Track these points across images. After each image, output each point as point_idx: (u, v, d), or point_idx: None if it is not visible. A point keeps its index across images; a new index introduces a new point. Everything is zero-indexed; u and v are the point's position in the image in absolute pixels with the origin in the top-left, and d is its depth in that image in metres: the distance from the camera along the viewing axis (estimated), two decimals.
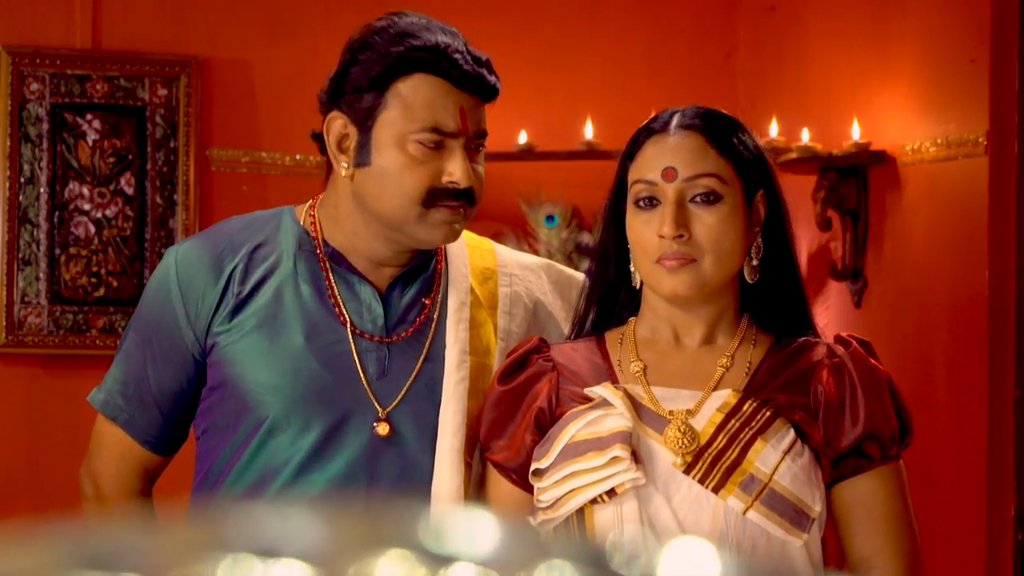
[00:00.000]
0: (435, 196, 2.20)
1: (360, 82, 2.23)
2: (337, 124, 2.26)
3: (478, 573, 0.65)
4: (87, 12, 4.60)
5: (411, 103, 2.20)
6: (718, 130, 2.16)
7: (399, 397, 2.27)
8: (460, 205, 2.22)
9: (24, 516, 4.33)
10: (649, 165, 2.15)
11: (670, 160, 2.14)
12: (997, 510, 3.91)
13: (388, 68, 2.21)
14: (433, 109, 2.20)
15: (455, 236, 2.26)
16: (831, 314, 4.44)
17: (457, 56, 2.21)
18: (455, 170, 2.19)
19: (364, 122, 2.23)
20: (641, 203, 2.15)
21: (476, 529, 0.67)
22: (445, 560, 0.65)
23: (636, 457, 2.07)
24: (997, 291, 3.93)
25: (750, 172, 2.17)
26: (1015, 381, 3.88)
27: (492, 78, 2.24)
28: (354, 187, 2.26)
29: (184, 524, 0.66)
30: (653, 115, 2.21)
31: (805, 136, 4.49)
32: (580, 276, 2.52)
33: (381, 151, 2.22)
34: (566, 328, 2.43)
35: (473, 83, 2.21)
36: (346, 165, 2.25)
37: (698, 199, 2.13)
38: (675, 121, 2.16)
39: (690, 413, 2.12)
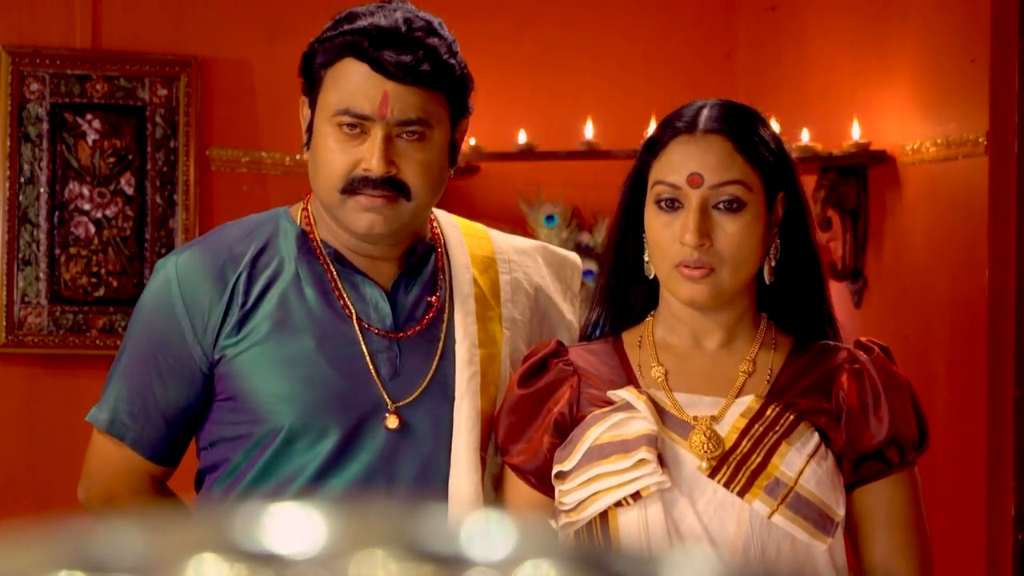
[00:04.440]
0: (354, 183, 2.18)
1: (311, 66, 2.24)
2: (304, 108, 2.27)
3: (480, 573, 0.65)
4: (87, 12, 4.60)
5: (338, 86, 2.19)
6: (745, 134, 2.11)
7: (414, 396, 2.25)
8: (382, 195, 2.18)
9: (24, 516, 4.33)
10: (674, 168, 2.10)
11: (696, 165, 2.09)
12: (997, 510, 3.91)
13: (324, 53, 2.21)
14: (352, 92, 2.18)
15: (385, 226, 2.21)
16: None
17: (382, 39, 2.18)
18: (369, 156, 2.17)
19: (313, 106, 2.24)
20: (663, 204, 2.10)
21: (485, 530, 0.67)
22: (445, 560, 0.65)
23: (661, 461, 2.05)
24: (997, 291, 3.93)
25: (774, 176, 2.13)
26: (1015, 381, 3.88)
27: (423, 65, 2.18)
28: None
29: (184, 525, 0.66)
30: (677, 110, 2.15)
31: (805, 136, 4.49)
32: (573, 255, 2.49)
33: (316, 134, 2.23)
34: (565, 309, 2.41)
35: (396, 68, 2.17)
36: (305, 147, 2.27)
37: (721, 206, 2.08)
38: (702, 122, 2.11)
39: (714, 419, 2.10)
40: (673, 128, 2.12)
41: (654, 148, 2.14)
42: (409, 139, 2.19)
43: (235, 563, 0.63)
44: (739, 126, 2.11)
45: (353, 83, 2.18)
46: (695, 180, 2.08)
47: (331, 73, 2.21)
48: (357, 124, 2.18)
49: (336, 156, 2.19)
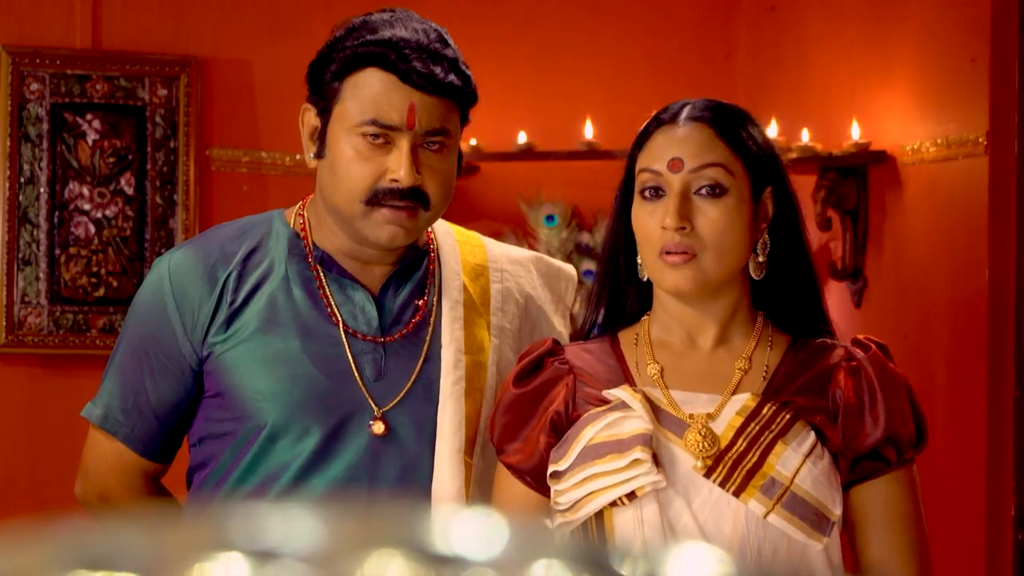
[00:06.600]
0: (379, 195, 2.19)
1: (323, 75, 2.23)
2: (309, 115, 2.27)
3: (478, 573, 0.65)
4: (87, 12, 4.60)
5: (360, 96, 2.20)
6: (728, 123, 2.14)
7: (397, 398, 2.27)
8: (406, 206, 2.20)
9: (24, 516, 4.33)
10: (656, 155, 2.13)
11: (677, 151, 2.11)
12: (997, 510, 3.91)
13: (344, 62, 2.21)
14: (377, 103, 2.19)
15: (406, 238, 2.24)
16: (831, 314, 4.44)
17: (408, 51, 2.19)
18: (397, 167, 2.18)
19: (325, 114, 2.24)
20: (647, 193, 2.13)
21: (478, 529, 0.67)
22: (445, 560, 0.65)
23: (656, 460, 2.05)
24: (997, 291, 3.93)
25: (759, 168, 2.15)
26: (1015, 381, 3.88)
27: (450, 76, 2.21)
28: (317, 179, 2.28)
29: (184, 524, 0.66)
30: (664, 107, 2.18)
31: (805, 136, 4.49)
32: (569, 268, 2.52)
33: (333, 144, 2.23)
34: (556, 320, 2.42)
35: (424, 79, 2.19)
36: (311, 155, 2.27)
37: (703, 191, 2.10)
38: (685, 112, 2.14)
39: (710, 417, 2.10)
40: (657, 120, 2.16)
41: (639, 141, 2.17)
42: (431, 149, 2.21)
43: (235, 563, 0.63)
44: (722, 116, 2.15)
45: (378, 93, 2.19)
46: (675, 165, 2.11)
47: (351, 83, 2.21)
48: (381, 134, 2.19)
49: (360, 167, 2.20)
